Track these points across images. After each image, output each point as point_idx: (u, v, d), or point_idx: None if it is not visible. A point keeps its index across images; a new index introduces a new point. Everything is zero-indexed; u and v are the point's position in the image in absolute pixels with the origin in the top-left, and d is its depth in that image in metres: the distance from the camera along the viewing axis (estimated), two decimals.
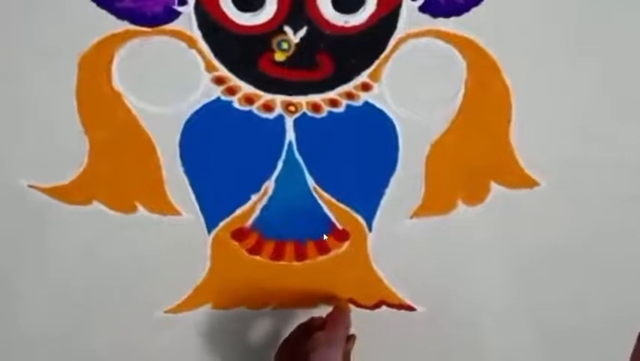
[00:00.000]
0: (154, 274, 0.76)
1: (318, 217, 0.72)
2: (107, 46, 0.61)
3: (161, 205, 0.70)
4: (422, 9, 0.60)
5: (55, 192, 0.69)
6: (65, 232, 0.72)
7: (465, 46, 0.62)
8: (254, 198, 0.71)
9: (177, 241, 0.73)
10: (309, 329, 0.74)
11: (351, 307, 0.79)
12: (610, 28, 0.61)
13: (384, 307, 0.79)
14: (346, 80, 0.64)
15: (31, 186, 0.69)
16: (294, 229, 0.74)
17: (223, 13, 0.60)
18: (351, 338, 0.73)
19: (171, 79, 0.63)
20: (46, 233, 0.72)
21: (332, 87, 0.64)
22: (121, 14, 0.59)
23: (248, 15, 0.60)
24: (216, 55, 0.62)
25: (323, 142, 0.68)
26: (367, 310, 0.80)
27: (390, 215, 0.72)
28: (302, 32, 0.61)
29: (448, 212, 0.72)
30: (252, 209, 0.72)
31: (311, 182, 0.70)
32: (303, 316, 0.78)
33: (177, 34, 0.61)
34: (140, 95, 0.64)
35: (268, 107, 0.65)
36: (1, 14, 0.59)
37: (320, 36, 0.61)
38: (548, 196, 0.70)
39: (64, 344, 0.80)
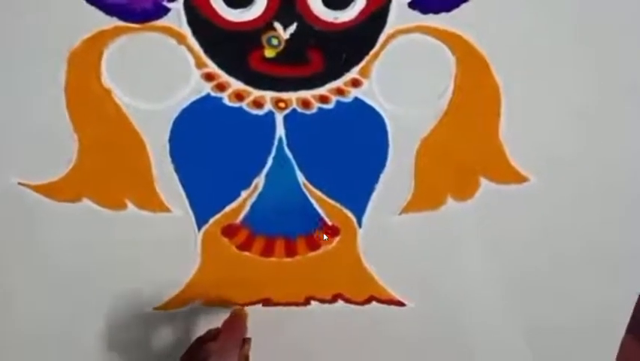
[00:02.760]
0: (144, 271, 0.76)
1: (308, 213, 0.72)
2: (96, 42, 0.61)
3: (151, 202, 0.70)
4: (411, 5, 0.60)
5: (45, 190, 0.69)
6: (55, 229, 0.72)
7: (454, 42, 0.62)
8: (244, 194, 0.71)
9: (167, 237, 0.73)
10: (204, 340, 0.74)
11: (342, 302, 0.79)
12: (600, 23, 0.61)
13: (374, 303, 0.79)
14: (336, 76, 0.64)
15: (20, 184, 0.68)
16: (284, 225, 0.74)
17: (213, 10, 0.60)
18: (246, 342, 0.73)
19: (161, 75, 0.63)
20: (35, 230, 0.72)
21: (322, 83, 0.64)
22: (110, 10, 0.59)
23: (237, 11, 0.60)
24: (206, 51, 0.62)
25: (313, 138, 0.68)
26: (357, 306, 0.80)
27: (380, 211, 0.72)
28: (292, 28, 0.61)
29: (438, 207, 0.72)
30: (242, 205, 0.72)
31: (301, 178, 0.70)
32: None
33: (167, 31, 0.60)
34: (130, 92, 0.64)
35: (258, 103, 0.65)
36: None
37: (310, 32, 0.61)
38: (537, 192, 0.71)
39: (53, 340, 0.80)
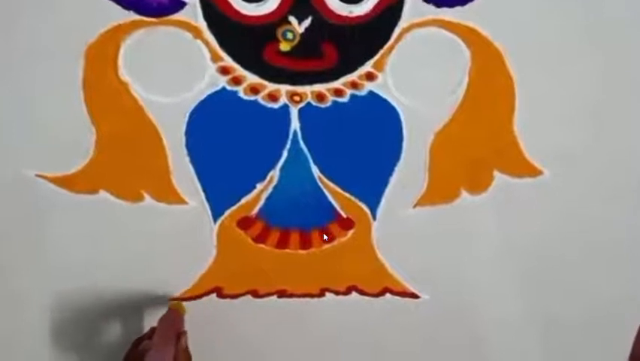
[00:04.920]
0: (160, 263, 0.76)
1: (322, 206, 0.73)
2: (114, 36, 0.61)
3: (168, 194, 0.71)
4: None
5: (63, 182, 0.69)
6: (72, 220, 0.72)
7: (469, 35, 0.62)
8: (259, 187, 0.71)
9: (183, 229, 0.74)
10: (142, 338, 0.75)
11: (356, 294, 0.79)
12: (614, 18, 0.61)
13: (388, 295, 0.80)
14: (351, 69, 0.64)
15: (38, 176, 0.69)
16: (299, 217, 0.74)
17: (228, 4, 0.60)
18: (182, 335, 0.73)
19: (177, 69, 0.64)
20: (53, 222, 0.73)
21: (336, 77, 0.65)
22: (127, 5, 0.60)
23: (253, 5, 0.60)
24: (222, 45, 0.62)
25: (327, 131, 0.68)
26: (372, 298, 0.80)
27: (395, 204, 0.73)
28: (307, 22, 0.61)
29: (452, 201, 0.72)
30: (258, 198, 0.72)
31: (316, 171, 0.71)
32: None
33: (183, 25, 0.61)
34: (146, 85, 0.64)
35: (273, 96, 0.66)
36: (9, 5, 0.59)
37: (325, 26, 0.61)
38: (551, 185, 0.71)
39: (69, 331, 0.81)
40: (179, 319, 0.75)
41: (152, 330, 0.74)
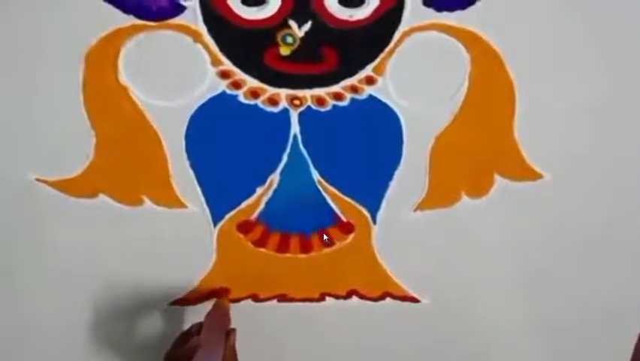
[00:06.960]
0: (160, 267, 0.76)
1: (322, 210, 0.73)
2: (113, 40, 0.61)
3: (168, 198, 0.71)
4: (426, 3, 0.60)
5: (62, 186, 0.69)
6: (72, 225, 0.72)
7: (469, 39, 0.62)
8: (259, 191, 0.71)
9: (183, 233, 0.73)
10: (189, 334, 0.73)
11: (356, 298, 0.79)
12: (614, 21, 0.61)
13: (388, 299, 0.80)
14: (351, 73, 0.64)
15: (38, 180, 0.69)
16: (299, 221, 0.74)
17: (228, 8, 0.60)
18: (231, 333, 0.72)
19: (177, 73, 0.64)
20: (53, 226, 0.73)
21: (336, 81, 0.65)
22: (127, 9, 0.60)
23: (253, 9, 0.60)
24: (222, 49, 0.62)
25: (327, 135, 0.68)
26: (372, 302, 0.80)
27: (395, 207, 0.73)
28: (307, 26, 0.61)
29: (452, 204, 0.72)
30: (258, 202, 0.72)
31: (316, 175, 0.70)
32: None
33: (183, 29, 0.61)
34: (146, 89, 0.64)
35: (273, 100, 0.66)
36: (9, 9, 0.59)
37: (325, 30, 0.61)
38: (552, 189, 0.71)
39: (69, 335, 0.80)
40: (227, 316, 0.74)
41: (198, 325, 0.73)
